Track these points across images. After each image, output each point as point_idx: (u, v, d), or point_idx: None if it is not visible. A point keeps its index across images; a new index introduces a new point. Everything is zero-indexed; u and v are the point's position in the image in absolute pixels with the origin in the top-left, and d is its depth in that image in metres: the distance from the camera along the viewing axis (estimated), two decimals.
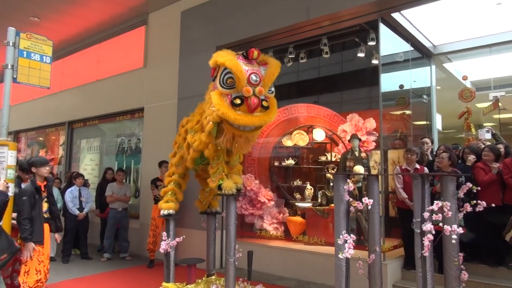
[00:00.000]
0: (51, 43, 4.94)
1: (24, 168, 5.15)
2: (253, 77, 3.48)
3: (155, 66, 8.14)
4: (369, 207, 3.34)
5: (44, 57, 4.84)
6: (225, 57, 3.51)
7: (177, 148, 4.68)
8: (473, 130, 6.73)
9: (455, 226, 3.05)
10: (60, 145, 11.02)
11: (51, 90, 10.20)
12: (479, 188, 3.25)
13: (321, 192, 6.99)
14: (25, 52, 4.63)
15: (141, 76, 8.37)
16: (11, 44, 4.50)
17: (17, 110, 12.03)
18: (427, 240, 3.09)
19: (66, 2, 7.93)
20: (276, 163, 7.67)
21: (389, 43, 6.16)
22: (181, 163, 4.59)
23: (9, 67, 4.47)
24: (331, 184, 6.57)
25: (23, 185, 4.82)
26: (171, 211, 4.50)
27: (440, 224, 3.13)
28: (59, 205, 7.06)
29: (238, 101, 3.42)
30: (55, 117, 10.92)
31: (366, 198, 3.36)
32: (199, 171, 4.78)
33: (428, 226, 3.10)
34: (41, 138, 12.20)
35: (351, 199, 3.47)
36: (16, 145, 4.44)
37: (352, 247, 3.30)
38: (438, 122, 7.64)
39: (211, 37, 6.94)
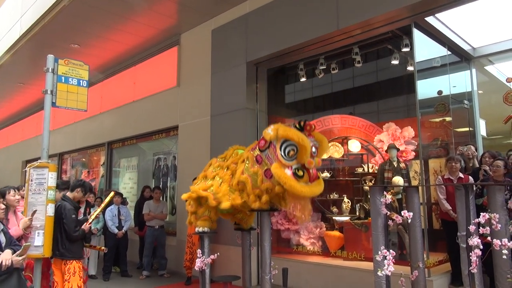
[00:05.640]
0: (88, 67, 5.13)
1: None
2: (313, 149, 3.58)
3: (188, 85, 8.29)
4: (409, 220, 3.16)
5: (81, 81, 5.02)
6: (289, 131, 3.54)
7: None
8: None
9: (505, 240, 2.81)
10: (101, 165, 11.41)
11: (91, 113, 10.75)
12: None
13: (359, 205, 6.75)
14: (63, 78, 4.82)
15: (175, 95, 8.55)
16: (50, 71, 4.71)
17: (61, 133, 12.66)
18: (475, 255, 2.87)
19: (103, 29, 8.29)
20: None
21: (424, 48, 5.92)
22: None
23: (49, 92, 4.66)
24: (369, 196, 6.34)
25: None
26: (205, 229, 4.48)
27: (489, 238, 2.90)
28: (100, 224, 7.26)
29: (301, 173, 3.48)
30: (95, 138, 11.35)
31: (406, 211, 3.18)
32: None
33: (474, 241, 2.88)
34: (83, 159, 12.71)
35: (389, 213, 3.30)
36: (56, 166, 4.61)
37: (393, 263, 3.12)
38: (482, 128, 7.23)
39: (242, 53, 6.99)
